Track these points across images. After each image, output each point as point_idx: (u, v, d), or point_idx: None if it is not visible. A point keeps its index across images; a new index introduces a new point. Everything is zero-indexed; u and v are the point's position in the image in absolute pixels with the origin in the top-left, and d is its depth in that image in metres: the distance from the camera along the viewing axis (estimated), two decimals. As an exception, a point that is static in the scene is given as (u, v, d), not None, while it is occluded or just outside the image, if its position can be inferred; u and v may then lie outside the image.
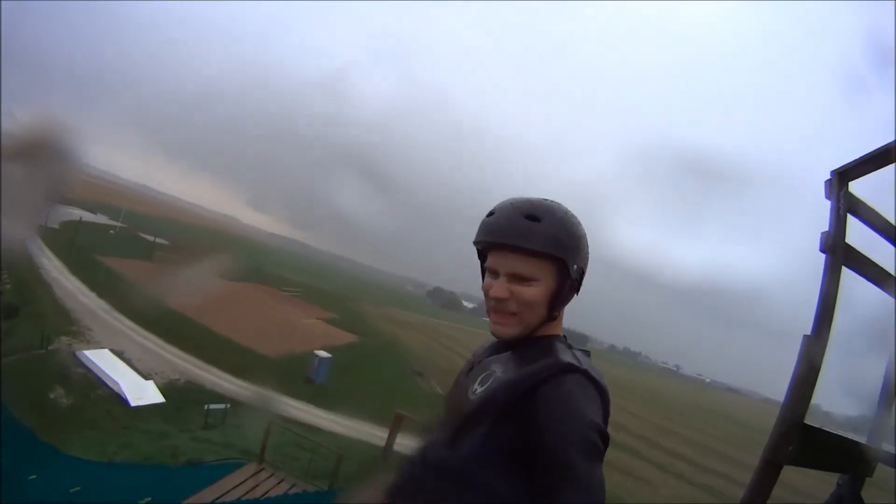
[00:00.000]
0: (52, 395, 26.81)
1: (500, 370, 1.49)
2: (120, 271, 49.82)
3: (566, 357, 1.42)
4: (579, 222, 1.49)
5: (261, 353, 39.66)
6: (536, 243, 1.42)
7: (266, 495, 9.53)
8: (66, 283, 44.99)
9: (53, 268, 48.63)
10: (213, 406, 28.44)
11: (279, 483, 10.33)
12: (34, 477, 17.20)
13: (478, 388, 1.49)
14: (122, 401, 26.85)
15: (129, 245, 64.44)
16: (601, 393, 1.41)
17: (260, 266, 71.20)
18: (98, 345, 33.05)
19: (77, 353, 31.19)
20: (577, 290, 1.54)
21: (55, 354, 31.12)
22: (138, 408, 26.47)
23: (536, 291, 1.45)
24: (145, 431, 24.52)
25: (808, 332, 2.85)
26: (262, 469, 10.89)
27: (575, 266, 1.47)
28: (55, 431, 23.07)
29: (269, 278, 67.92)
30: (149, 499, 12.40)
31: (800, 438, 2.81)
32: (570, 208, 1.51)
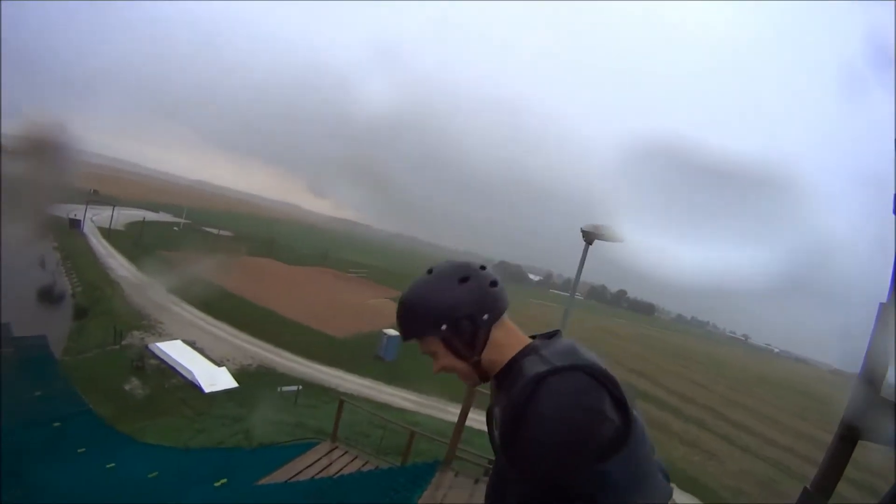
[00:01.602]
0: (127, 388, 28.57)
1: (497, 414, 1.68)
2: (186, 265, 51.76)
3: (529, 374, 1.51)
4: (435, 286, 1.70)
5: (330, 334, 40.68)
6: (406, 335, 1.73)
7: (339, 473, 9.61)
8: (134, 281, 47.44)
9: (121, 266, 51.61)
10: (285, 388, 29.35)
11: (353, 461, 10.49)
12: (112, 465, 18.23)
13: (496, 433, 1.68)
14: (195, 388, 28.24)
15: (194, 239, 66.67)
16: (577, 375, 1.48)
17: (324, 250, 72.44)
18: (170, 337, 34.73)
19: (150, 345, 32.94)
20: (478, 327, 1.69)
21: (128, 349, 32.98)
22: (212, 394, 27.67)
23: (441, 361, 1.72)
24: (219, 416, 25.54)
25: (884, 300, 2.77)
26: (336, 447, 11.11)
27: (443, 326, 1.67)
28: (132, 422, 24.57)
29: (334, 261, 69.09)
30: (224, 480, 13.01)
31: (878, 413, 2.72)
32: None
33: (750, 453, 33.95)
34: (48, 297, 41.96)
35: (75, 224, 63.99)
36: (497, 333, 1.70)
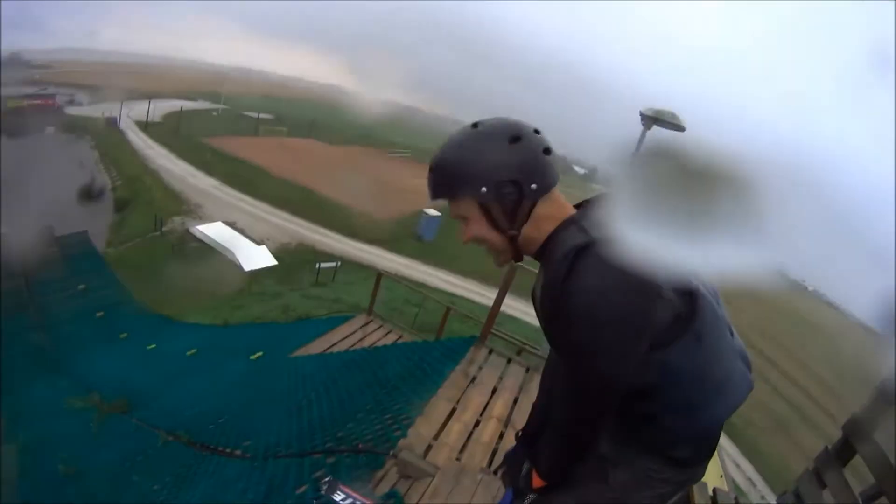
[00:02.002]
0: (169, 272, 29.25)
1: (538, 295, 1.62)
2: (226, 149, 52.12)
3: (566, 247, 1.40)
4: (481, 142, 1.52)
5: (370, 213, 40.72)
6: (436, 192, 1.61)
7: (374, 345, 9.66)
8: (173, 169, 47.98)
9: (159, 156, 52.13)
10: (323, 264, 29.76)
11: (387, 334, 10.56)
12: (153, 346, 19.16)
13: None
14: (236, 267, 28.77)
15: (234, 124, 66.78)
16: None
17: (368, 131, 71.77)
18: (210, 219, 35.40)
19: (190, 228, 33.77)
20: (523, 196, 1.52)
21: (169, 234, 34.02)
22: (252, 272, 28.09)
23: (473, 229, 1.59)
24: (258, 293, 26.19)
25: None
26: (371, 321, 11.14)
27: (482, 189, 1.50)
28: (174, 304, 25.43)
29: (377, 142, 68.48)
30: (260, 353, 13.31)
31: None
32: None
33: (770, 386, 33.17)
34: (88, 194, 43.22)
35: (111, 122, 65.01)
36: (542, 207, 1.55)
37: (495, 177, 1.48)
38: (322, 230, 36.56)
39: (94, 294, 26.65)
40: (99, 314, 24.57)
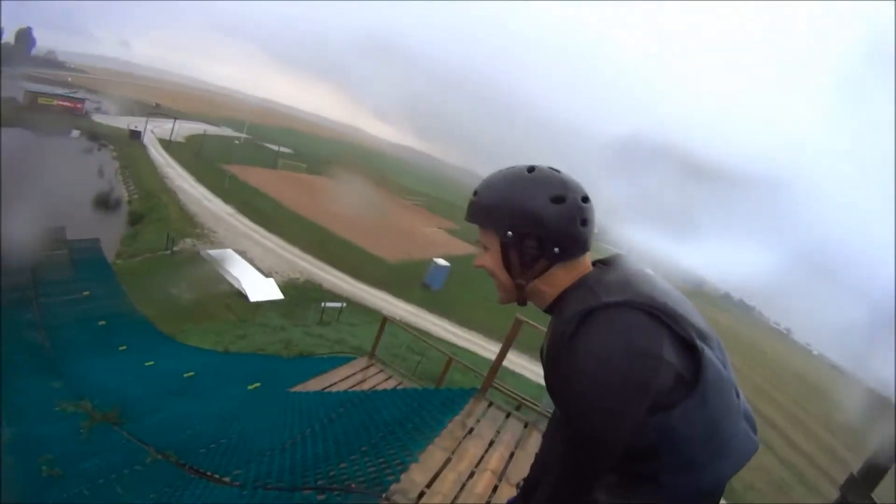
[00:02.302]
0: (174, 291, 29.53)
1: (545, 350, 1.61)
2: (244, 178, 52.81)
3: (577, 308, 1.44)
4: (527, 188, 1.55)
5: (380, 256, 41.02)
6: (471, 216, 1.63)
7: (373, 389, 9.70)
8: (191, 191, 48.72)
9: (178, 177, 52.83)
10: (329, 304, 29.85)
11: (387, 379, 10.61)
12: (152, 363, 18.99)
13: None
14: (242, 296, 29.00)
15: (254, 154, 67.87)
16: (628, 312, 1.40)
17: (384, 175, 72.85)
18: (221, 245, 35.82)
19: (201, 251, 34.12)
20: (542, 254, 1.56)
21: (179, 254, 34.23)
22: (257, 303, 28.33)
23: (487, 261, 1.63)
24: (262, 325, 26.23)
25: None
26: (372, 364, 11.20)
27: (508, 232, 1.55)
28: (176, 323, 25.53)
29: (392, 187, 69.39)
30: (258, 384, 13.33)
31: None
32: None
33: (771, 452, 33.20)
34: (104, 203, 43.91)
35: (135, 135, 66.26)
36: (560, 269, 1.58)
37: (523, 227, 1.53)
38: (331, 269, 36.80)
39: (99, 302, 26.66)
40: (101, 323, 24.47)
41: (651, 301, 1.41)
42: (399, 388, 9.90)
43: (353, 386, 10.33)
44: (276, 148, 73.27)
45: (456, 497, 5.04)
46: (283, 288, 30.88)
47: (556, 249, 1.52)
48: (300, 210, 46.74)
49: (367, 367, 11.16)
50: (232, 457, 7.80)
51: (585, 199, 1.54)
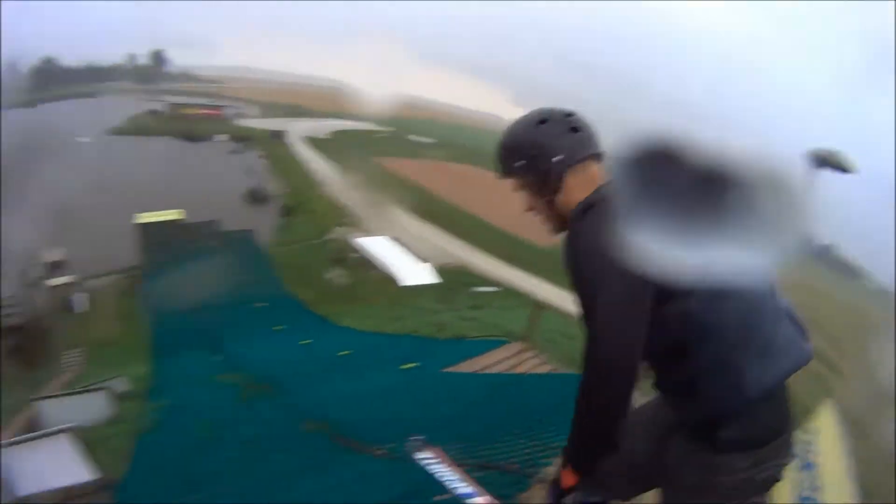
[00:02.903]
0: (328, 276, 31.21)
1: None
2: (391, 169, 54.49)
3: (576, 210, 1.76)
4: (516, 127, 1.92)
5: (532, 242, 40.87)
6: (497, 173, 1.99)
7: (527, 373, 9.71)
8: (338, 184, 51.23)
9: (326, 171, 55.90)
10: (482, 288, 30.02)
11: (541, 364, 10.39)
12: (307, 342, 20.04)
13: None
14: (395, 281, 30.08)
15: (398, 146, 69.85)
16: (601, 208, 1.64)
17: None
18: (372, 234, 37.23)
19: (352, 239, 35.72)
20: (550, 166, 1.82)
21: (331, 242, 36.18)
22: (411, 287, 29.24)
23: (523, 197, 1.96)
24: (416, 308, 26.80)
25: None
26: (526, 349, 11.05)
27: (516, 163, 1.88)
28: (331, 307, 26.84)
29: (538, 172, 69.25)
30: (412, 364, 13.60)
31: None
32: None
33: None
34: (255, 198, 47.17)
35: (278, 135, 70.65)
36: (572, 178, 1.80)
37: (525, 155, 1.83)
38: (482, 255, 37.06)
39: (256, 286, 29.01)
40: (258, 304, 26.76)
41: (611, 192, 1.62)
42: (553, 373, 9.84)
43: (508, 369, 10.34)
44: (419, 139, 74.86)
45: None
46: (436, 273, 31.43)
47: (556, 158, 1.78)
48: (448, 198, 47.49)
49: (520, 352, 11.01)
50: (387, 432, 7.96)
51: (569, 113, 1.84)
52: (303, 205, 44.44)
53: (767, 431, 1.63)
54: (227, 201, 44.88)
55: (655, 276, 1.38)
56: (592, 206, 1.67)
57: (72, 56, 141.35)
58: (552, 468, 4.76)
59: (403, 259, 31.71)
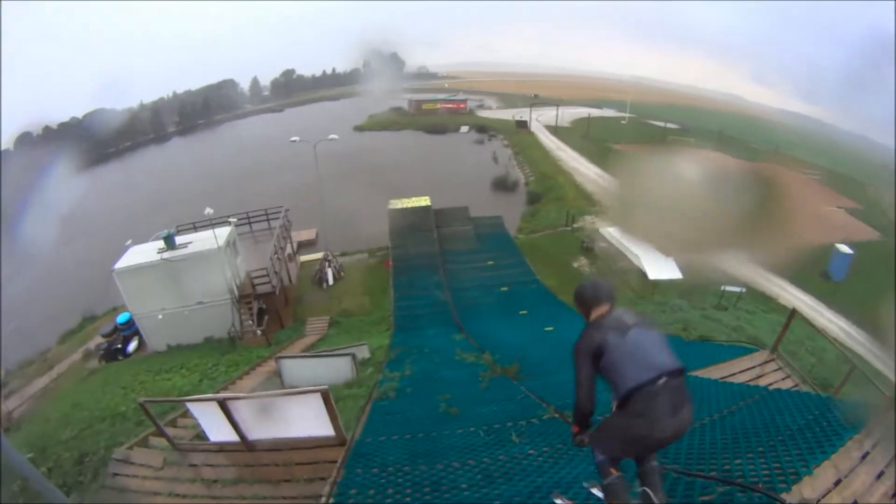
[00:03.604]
0: (574, 265, 32.08)
1: None
2: (636, 156, 53.95)
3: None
4: (577, 286, 4.26)
5: (777, 239, 38.49)
6: None
7: (772, 386, 9.59)
8: (585, 171, 51.69)
9: (570, 158, 56.48)
10: (729, 288, 29.04)
11: (784, 378, 10.39)
12: (551, 328, 21.15)
13: None
14: (641, 274, 30.03)
15: (640, 132, 68.57)
16: (590, 332, 3.87)
17: (774, 145, 67.73)
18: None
19: (601, 228, 36.00)
20: (582, 306, 4.19)
21: (579, 231, 36.82)
22: (656, 282, 29.06)
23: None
24: (661, 304, 26.65)
25: None
26: (773, 360, 11.03)
27: (575, 302, 4.27)
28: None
29: (784, 159, 64.11)
30: None
31: None
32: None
33: None
34: (503, 185, 49.16)
35: (522, 125, 72.45)
36: (592, 313, 4.05)
37: (576, 298, 4.18)
38: (730, 252, 35.61)
39: (502, 271, 30.23)
40: (503, 289, 27.80)
41: (601, 321, 3.87)
42: (795, 389, 9.56)
43: (751, 380, 10.27)
44: (662, 124, 72.85)
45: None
46: (681, 268, 30.87)
47: (583, 303, 4.10)
48: (693, 189, 46.10)
49: (766, 362, 10.97)
50: None
51: (595, 288, 4.09)
52: (550, 192, 45.31)
53: (653, 412, 3.65)
54: (476, 189, 47.16)
55: (591, 349, 3.80)
56: (589, 326, 3.96)
57: (310, 67, 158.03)
58: (791, 495, 5.01)
59: (650, 251, 31.41)
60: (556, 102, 79.31)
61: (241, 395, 9.74)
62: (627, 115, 79.11)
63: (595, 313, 3.96)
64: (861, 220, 48.95)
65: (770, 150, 65.32)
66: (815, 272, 34.89)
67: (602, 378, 3.79)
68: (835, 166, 65.73)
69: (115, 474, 9.10)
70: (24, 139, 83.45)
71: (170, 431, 9.55)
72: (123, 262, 23.89)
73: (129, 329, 25.65)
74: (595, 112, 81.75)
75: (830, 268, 34.90)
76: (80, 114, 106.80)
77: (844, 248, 34.09)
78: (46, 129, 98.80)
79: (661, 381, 3.58)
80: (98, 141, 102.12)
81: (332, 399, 7.94)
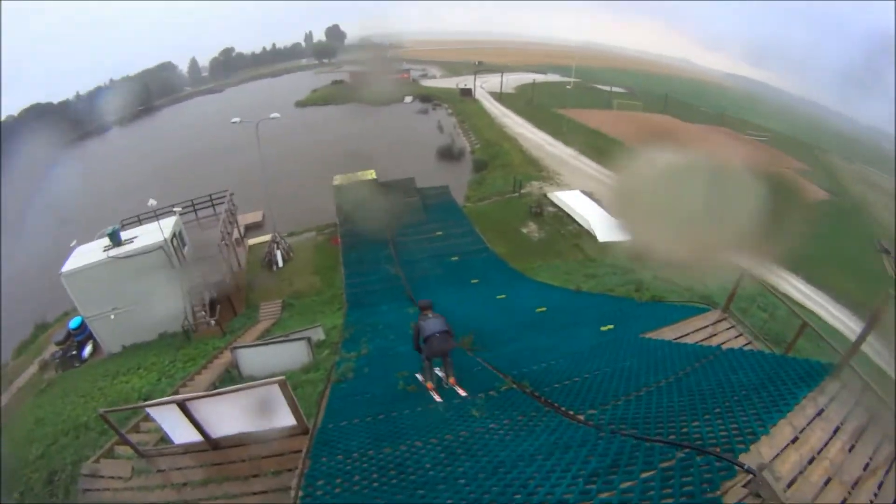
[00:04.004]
0: (524, 230, 31.67)
1: None
2: (582, 121, 53.89)
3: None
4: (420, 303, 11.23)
5: (734, 200, 38.79)
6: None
7: (723, 345, 9.58)
8: (531, 137, 51.49)
9: (516, 125, 56.13)
10: (680, 248, 28.95)
11: (737, 337, 10.53)
12: (503, 297, 20.71)
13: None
14: (591, 236, 29.95)
15: (586, 97, 69.00)
16: (419, 319, 10.23)
17: (721, 109, 68.84)
18: (567, 187, 37.28)
19: (549, 193, 35.87)
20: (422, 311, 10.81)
21: (526, 196, 36.35)
22: (606, 244, 28.86)
23: None
24: (612, 265, 26.45)
25: None
26: (724, 319, 11.17)
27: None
28: (525, 261, 27.34)
29: (732, 122, 65.25)
30: (611, 326, 13.54)
31: None
32: None
33: None
34: (448, 154, 48.69)
35: (466, 93, 72.25)
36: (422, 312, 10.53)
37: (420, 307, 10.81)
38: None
39: (451, 241, 29.95)
40: (454, 258, 27.50)
41: (423, 315, 10.26)
42: (748, 348, 9.66)
43: (703, 340, 10.43)
44: (608, 89, 73.27)
45: (791, 483, 5.17)
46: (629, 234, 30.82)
47: (421, 308, 10.69)
48: (642, 149, 46.19)
49: (717, 321, 11.11)
50: (586, 396, 8.22)
51: (426, 302, 10.69)
52: (496, 159, 44.94)
53: (434, 343, 9.75)
54: (422, 159, 46.61)
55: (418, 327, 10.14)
56: (420, 317, 10.25)
57: (250, 45, 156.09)
58: (750, 455, 5.12)
59: (598, 213, 31.25)
60: (501, 69, 79.10)
61: (200, 394, 9.59)
62: (573, 79, 79.32)
63: (423, 312, 10.14)
64: (811, 181, 49.96)
65: (718, 114, 66.32)
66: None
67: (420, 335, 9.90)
68: (782, 128, 67.05)
69: (86, 490, 9.30)
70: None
71: (133, 438, 9.89)
72: (70, 265, 22.90)
73: (83, 333, 24.80)
74: (540, 78, 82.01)
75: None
76: (14, 111, 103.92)
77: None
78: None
79: (437, 335, 9.67)
80: (35, 139, 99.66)
81: (290, 388, 8.14)
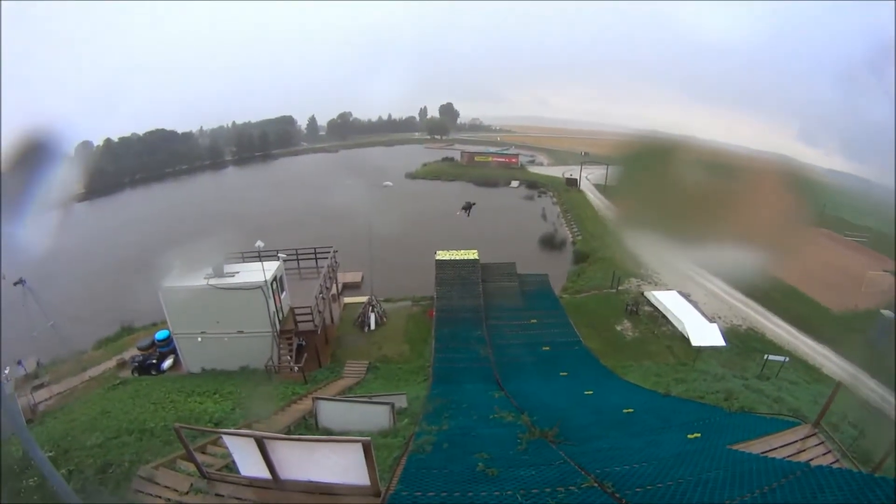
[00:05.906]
0: (619, 328, 31.79)
1: None
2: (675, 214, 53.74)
3: None
4: None
5: (823, 305, 37.80)
6: None
7: (812, 462, 9.20)
8: (633, 233, 50.74)
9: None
10: (772, 357, 28.58)
11: (825, 454, 10.26)
12: (591, 392, 20.75)
13: None
14: (684, 339, 29.78)
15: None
16: None
17: (820, 207, 66.74)
18: (665, 287, 37.19)
19: (645, 292, 35.98)
20: None
21: (624, 294, 36.46)
22: (699, 348, 28.62)
23: None
24: (703, 371, 26.31)
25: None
26: (815, 434, 10.89)
27: None
28: (617, 359, 27.44)
29: (830, 221, 62.99)
30: (698, 434, 13.03)
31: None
32: None
33: None
34: (550, 242, 49.77)
35: (571, 182, 73.74)
36: None
37: None
38: (774, 318, 35.04)
39: (545, 330, 30.33)
40: (545, 348, 27.84)
41: None
42: (836, 466, 9.49)
43: (791, 455, 10.17)
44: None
45: None
46: (725, 334, 30.58)
47: None
48: (741, 252, 45.62)
49: (807, 437, 10.86)
50: (669, 502, 8.13)
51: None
52: (597, 252, 45.42)
53: None
54: (523, 245, 47.85)
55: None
56: None
57: (366, 112, 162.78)
58: None
59: (693, 317, 31.28)
60: (607, 161, 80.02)
61: (282, 435, 9.70)
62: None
63: None
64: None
65: (815, 212, 64.29)
66: (859, 338, 34.11)
67: None
68: (881, 227, 64.44)
69: (138, 491, 9.50)
70: (85, 147, 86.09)
71: (199, 458, 9.75)
72: (171, 281, 24.75)
73: (167, 346, 26.69)
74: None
75: (874, 335, 34.16)
76: (140, 131, 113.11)
77: (888, 313, 33.37)
78: (107, 141, 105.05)
79: None
80: (157, 160, 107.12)
81: (373, 451, 7.93)
